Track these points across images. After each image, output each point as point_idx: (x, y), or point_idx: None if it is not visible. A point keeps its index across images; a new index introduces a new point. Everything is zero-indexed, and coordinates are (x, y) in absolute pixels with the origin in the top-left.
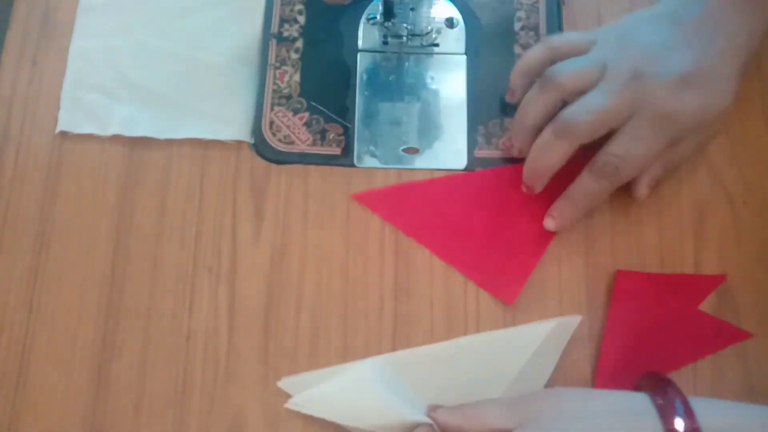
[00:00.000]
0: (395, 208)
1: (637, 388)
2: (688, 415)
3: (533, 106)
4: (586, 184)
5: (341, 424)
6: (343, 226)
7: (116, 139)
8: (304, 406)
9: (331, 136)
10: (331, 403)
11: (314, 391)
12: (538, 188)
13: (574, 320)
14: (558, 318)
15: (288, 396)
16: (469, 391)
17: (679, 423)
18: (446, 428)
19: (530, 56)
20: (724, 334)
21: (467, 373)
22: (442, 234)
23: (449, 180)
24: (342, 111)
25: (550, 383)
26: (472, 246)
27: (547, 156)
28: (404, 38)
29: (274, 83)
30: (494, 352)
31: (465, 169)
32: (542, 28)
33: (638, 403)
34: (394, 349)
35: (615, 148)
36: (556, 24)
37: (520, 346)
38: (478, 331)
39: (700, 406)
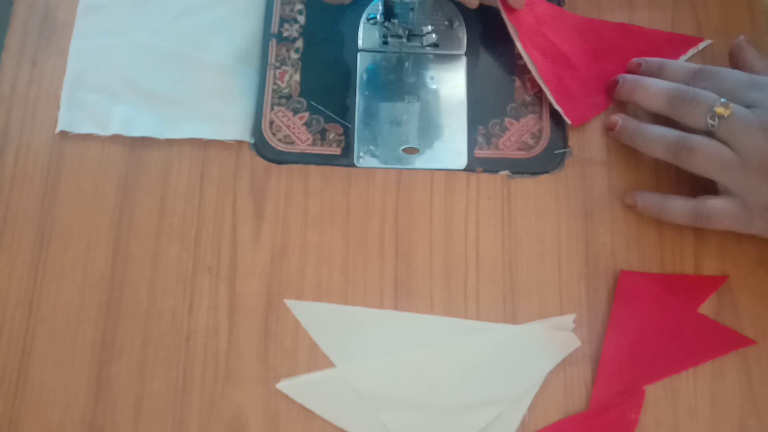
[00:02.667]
0: (525, 13)
1: None
2: None
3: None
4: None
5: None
6: (343, 226)
7: (116, 139)
8: (291, 391)
9: (331, 136)
10: (314, 395)
11: (303, 378)
12: None
13: (573, 341)
14: (555, 318)
15: (287, 397)
16: (461, 374)
17: None
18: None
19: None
20: (727, 340)
21: (462, 355)
22: (550, 51)
23: (578, 19)
24: (342, 111)
25: (548, 384)
26: (567, 73)
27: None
28: (404, 38)
29: (274, 83)
30: (494, 343)
31: (465, 170)
32: None
33: None
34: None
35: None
36: None
37: (519, 345)
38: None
39: None
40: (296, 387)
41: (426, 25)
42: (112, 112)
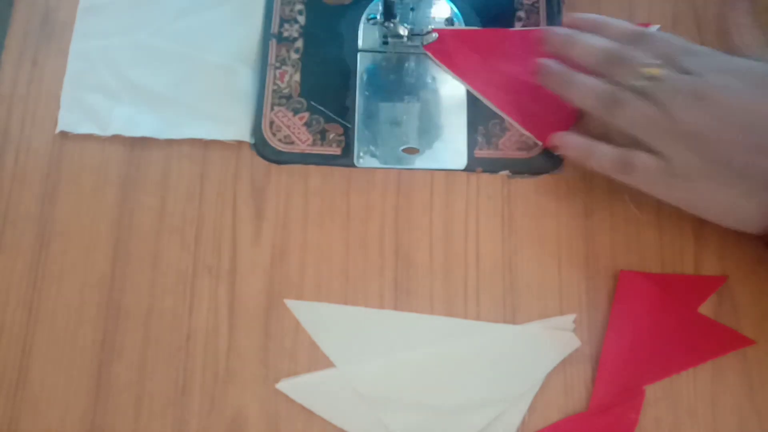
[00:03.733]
0: (457, 53)
1: None
2: None
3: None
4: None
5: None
6: (343, 226)
7: (116, 139)
8: (291, 391)
9: (331, 136)
10: (314, 395)
11: (303, 378)
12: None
13: (573, 341)
14: (555, 318)
15: (287, 397)
16: (462, 374)
17: None
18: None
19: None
20: (726, 340)
21: (462, 355)
22: (497, 80)
23: (517, 33)
24: (342, 111)
25: (548, 384)
26: (523, 95)
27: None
28: (404, 38)
29: (275, 83)
30: (494, 343)
31: (465, 170)
32: None
33: None
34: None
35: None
36: (556, 24)
37: (519, 345)
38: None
39: None
40: (296, 387)
41: (426, 24)
42: (113, 112)
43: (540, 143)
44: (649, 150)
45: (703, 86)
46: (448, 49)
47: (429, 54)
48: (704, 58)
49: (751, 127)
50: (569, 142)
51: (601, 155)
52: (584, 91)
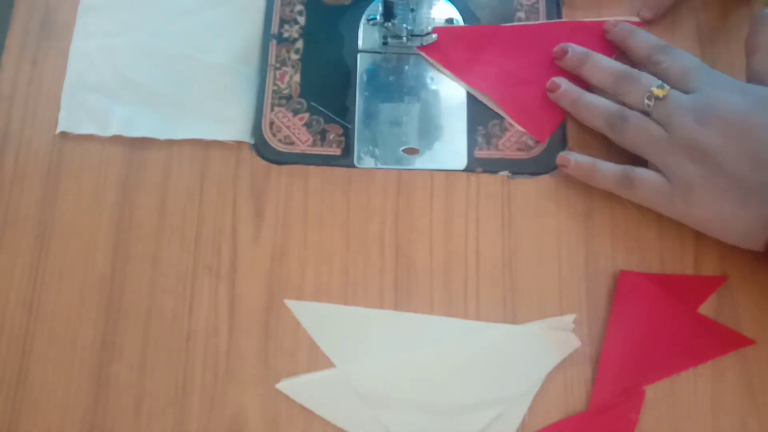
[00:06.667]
0: (452, 50)
1: None
2: None
3: None
4: None
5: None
6: (343, 226)
7: (116, 139)
8: (291, 391)
9: (331, 136)
10: (314, 395)
11: (303, 378)
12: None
13: (573, 341)
14: (555, 318)
15: (287, 397)
16: (461, 374)
17: None
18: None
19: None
20: (726, 340)
21: (462, 355)
22: (490, 75)
23: (512, 29)
24: (342, 111)
25: (548, 384)
26: (516, 90)
27: None
28: (404, 39)
29: (275, 84)
30: (494, 343)
31: (465, 170)
32: None
33: None
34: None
35: None
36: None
37: (519, 345)
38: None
39: None
40: (296, 387)
41: (426, 25)
42: (113, 112)
43: (537, 141)
44: (653, 165)
45: (705, 103)
46: (442, 47)
47: (423, 54)
48: (710, 76)
49: (750, 140)
50: (574, 162)
51: (604, 174)
52: (592, 110)
